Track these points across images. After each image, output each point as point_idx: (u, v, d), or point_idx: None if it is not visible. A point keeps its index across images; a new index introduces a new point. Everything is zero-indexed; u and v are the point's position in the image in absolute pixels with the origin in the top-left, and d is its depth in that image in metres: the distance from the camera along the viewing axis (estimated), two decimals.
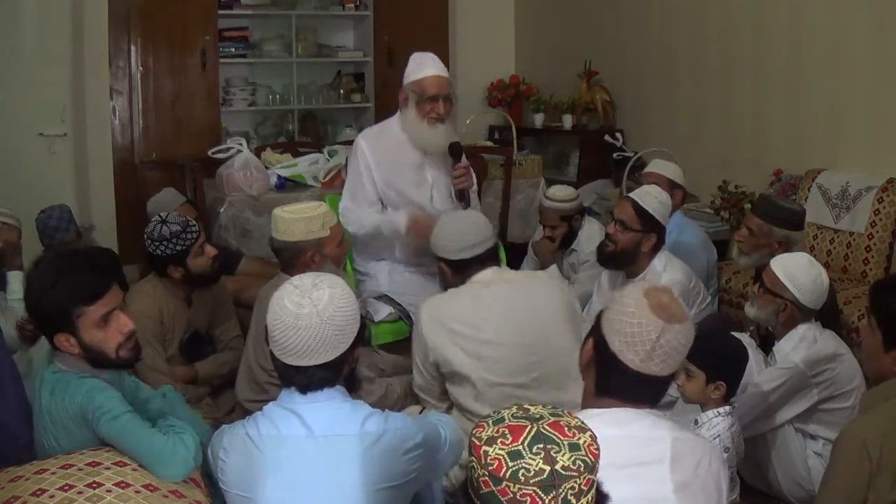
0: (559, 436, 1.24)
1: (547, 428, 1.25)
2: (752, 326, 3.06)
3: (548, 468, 1.21)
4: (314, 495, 1.80)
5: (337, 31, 6.42)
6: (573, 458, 1.22)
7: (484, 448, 1.24)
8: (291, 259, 2.83)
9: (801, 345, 2.72)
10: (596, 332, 1.75)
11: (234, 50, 5.90)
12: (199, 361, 3.18)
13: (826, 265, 3.84)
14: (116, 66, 5.51)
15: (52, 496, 1.85)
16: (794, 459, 2.74)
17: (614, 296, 1.80)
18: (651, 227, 3.16)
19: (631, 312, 1.66)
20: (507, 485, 1.21)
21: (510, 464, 1.21)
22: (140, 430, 2.02)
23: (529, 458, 1.22)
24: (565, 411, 1.31)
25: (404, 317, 3.45)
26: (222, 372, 3.20)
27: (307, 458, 1.80)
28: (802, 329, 2.74)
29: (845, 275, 3.96)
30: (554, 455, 1.22)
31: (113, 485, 1.89)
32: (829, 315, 2.87)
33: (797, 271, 2.71)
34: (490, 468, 1.22)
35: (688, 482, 1.66)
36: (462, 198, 3.46)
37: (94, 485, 1.88)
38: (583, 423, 1.29)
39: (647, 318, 1.65)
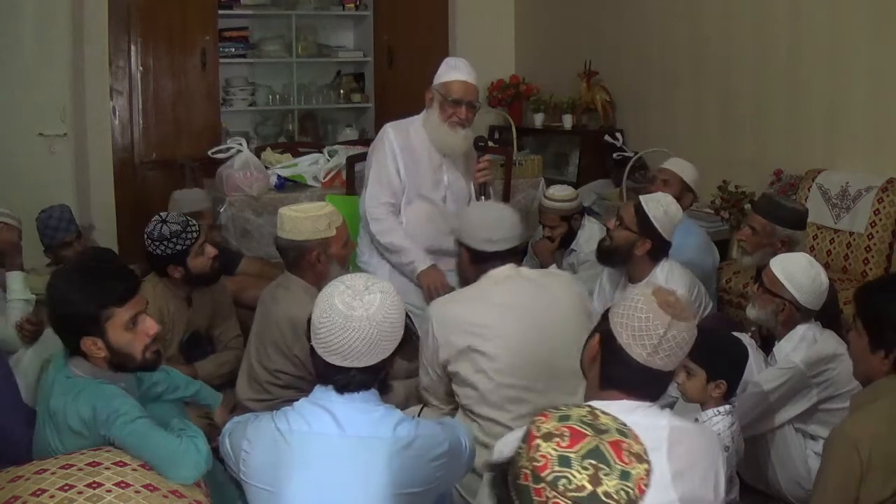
0: (615, 458, 1.21)
1: (607, 445, 1.22)
2: (753, 327, 3.05)
3: (590, 488, 1.18)
4: (340, 494, 1.79)
5: (337, 31, 6.43)
6: (618, 488, 1.19)
7: (538, 441, 1.22)
8: (297, 258, 2.82)
9: (801, 345, 2.73)
10: (602, 327, 1.81)
11: (234, 50, 5.91)
12: (198, 361, 3.18)
13: (826, 265, 3.84)
14: (116, 66, 5.51)
15: (52, 496, 1.85)
16: (793, 459, 2.74)
17: (616, 297, 1.83)
18: (647, 231, 3.11)
19: (640, 308, 1.73)
20: (544, 487, 1.19)
21: (556, 469, 1.19)
22: (155, 434, 2.03)
23: (577, 469, 1.19)
24: (633, 433, 1.27)
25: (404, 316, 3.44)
26: (222, 372, 3.19)
27: (337, 457, 1.80)
28: (802, 329, 2.74)
29: (845, 275, 3.96)
30: (601, 477, 1.18)
31: (113, 485, 1.90)
32: (829, 315, 2.87)
33: (796, 271, 2.71)
34: (535, 464, 1.20)
35: (684, 469, 1.71)
36: (483, 192, 3.47)
37: (94, 485, 1.88)
38: (645, 451, 1.25)
39: (655, 312, 1.72)
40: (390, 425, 1.84)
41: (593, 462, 1.20)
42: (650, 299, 1.74)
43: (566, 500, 1.18)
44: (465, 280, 2.71)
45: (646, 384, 1.75)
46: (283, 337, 2.73)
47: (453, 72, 3.39)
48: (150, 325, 2.14)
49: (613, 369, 1.75)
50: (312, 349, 1.87)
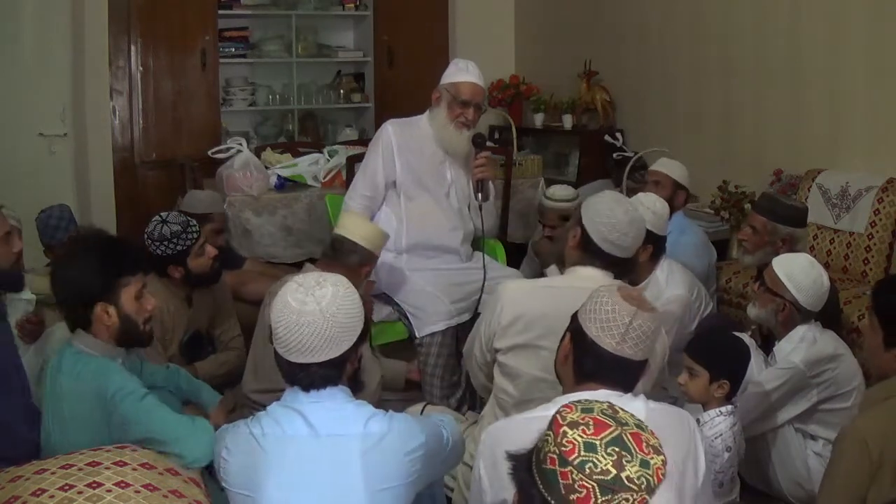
0: (636, 448, 1.28)
1: (629, 436, 1.29)
2: (753, 326, 3.06)
3: (614, 472, 1.25)
4: (317, 495, 1.80)
5: (337, 31, 6.42)
6: (640, 474, 1.26)
7: (564, 428, 1.29)
8: (358, 264, 2.94)
9: (800, 345, 2.73)
10: (572, 326, 1.90)
11: (234, 50, 5.90)
12: (199, 361, 3.18)
13: (826, 265, 3.84)
14: (116, 66, 5.50)
15: (52, 496, 1.85)
16: (794, 459, 2.74)
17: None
18: (645, 238, 3.10)
19: (605, 301, 1.83)
20: (570, 470, 1.25)
21: (582, 453, 1.26)
22: (165, 412, 2.08)
23: (602, 455, 1.26)
24: (649, 428, 1.34)
25: (403, 317, 3.44)
26: (222, 372, 3.20)
27: (310, 458, 1.81)
28: (802, 330, 2.74)
29: (845, 275, 3.96)
30: (625, 463, 1.26)
31: (113, 485, 1.90)
32: (829, 315, 2.88)
33: (797, 272, 2.71)
34: (562, 449, 1.27)
35: (664, 448, 1.69)
36: (481, 189, 3.49)
37: (94, 485, 1.88)
38: (660, 445, 1.32)
39: (619, 304, 1.81)
40: (361, 421, 1.84)
41: (617, 449, 1.27)
42: (614, 293, 1.83)
43: (592, 483, 1.24)
44: (559, 254, 2.62)
45: (618, 373, 1.81)
46: None
47: (463, 73, 3.44)
48: (149, 300, 2.27)
49: (586, 362, 1.83)
50: (276, 352, 1.87)
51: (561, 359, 1.91)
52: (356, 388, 1.95)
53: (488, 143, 5.38)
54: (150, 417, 2.05)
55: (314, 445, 1.81)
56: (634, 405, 1.78)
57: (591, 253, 2.45)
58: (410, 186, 3.48)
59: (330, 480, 1.80)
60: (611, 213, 2.42)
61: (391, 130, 3.51)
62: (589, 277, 2.41)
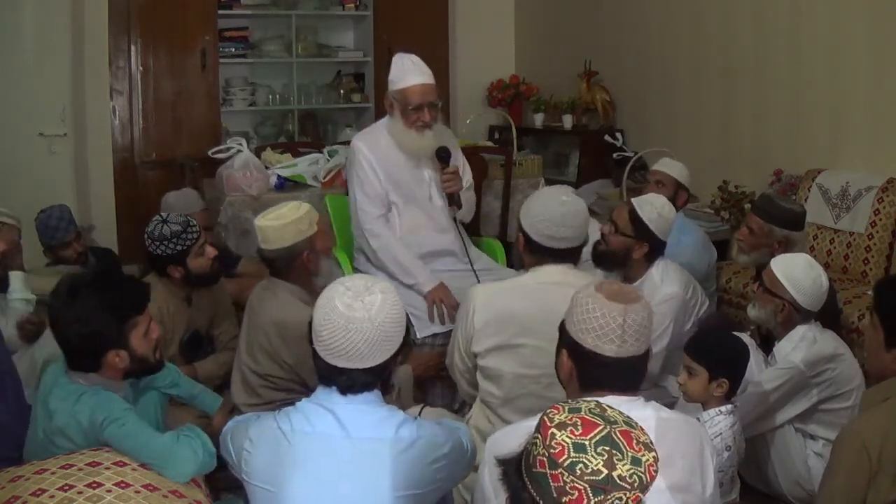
0: (626, 445, 1.26)
1: (618, 434, 1.27)
2: (752, 326, 3.06)
3: (605, 472, 1.23)
4: (341, 495, 1.80)
5: (337, 31, 6.43)
6: (631, 472, 1.24)
7: (552, 430, 1.27)
8: (287, 265, 2.78)
9: (800, 345, 2.73)
10: (565, 341, 1.83)
11: (234, 50, 5.91)
12: (198, 361, 3.18)
13: (826, 265, 3.85)
14: (116, 66, 5.51)
15: (52, 496, 1.85)
16: (794, 459, 2.74)
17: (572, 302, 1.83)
18: (643, 235, 3.06)
19: (592, 308, 1.76)
20: (561, 472, 1.24)
21: (572, 454, 1.24)
22: (147, 433, 2.07)
23: (592, 455, 1.24)
24: (638, 425, 1.32)
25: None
26: (222, 372, 3.19)
27: (339, 458, 1.81)
28: (802, 330, 2.74)
29: (845, 275, 3.96)
30: (615, 462, 1.24)
31: (113, 485, 1.90)
32: (829, 316, 2.87)
33: (796, 272, 2.71)
34: (551, 451, 1.25)
35: (671, 458, 1.71)
36: (452, 201, 3.46)
37: (94, 485, 1.89)
38: (651, 441, 1.30)
39: (607, 307, 1.74)
40: (393, 426, 1.84)
41: (607, 448, 1.25)
42: (597, 296, 1.77)
43: (583, 484, 1.23)
44: (519, 261, 2.63)
45: (626, 375, 1.78)
46: (269, 341, 2.72)
47: (407, 76, 3.31)
48: (154, 328, 2.23)
49: (592, 373, 1.78)
50: (315, 352, 1.87)
51: (565, 376, 1.86)
52: (386, 390, 1.94)
53: (488, 143, 5.41)
54: (132, 441, 2.05)
55: (344, 445, 1.81)
56: (645, 413, 1.75)
57: (540, 252, 2.48)
58: (396, 197, 3.43)
59: (356, 482, 1.80)
60: (544, 210, 2.45)
61: (362, 146, 3.42)
62: (551, 273, 2.45)
